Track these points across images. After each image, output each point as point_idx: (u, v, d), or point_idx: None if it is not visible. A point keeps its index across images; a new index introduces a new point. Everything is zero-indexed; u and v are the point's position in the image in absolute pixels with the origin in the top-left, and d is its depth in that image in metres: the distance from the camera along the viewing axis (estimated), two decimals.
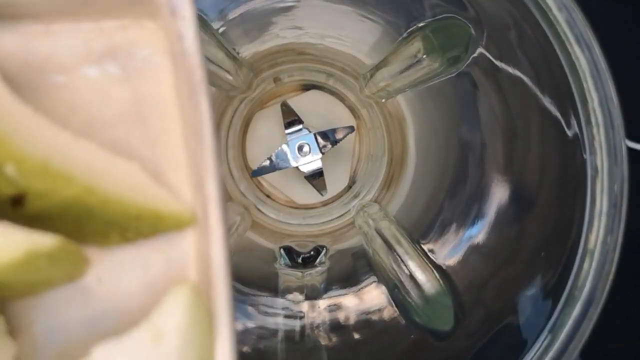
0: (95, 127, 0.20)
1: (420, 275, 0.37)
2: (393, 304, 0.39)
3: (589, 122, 0.26)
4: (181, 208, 0.19)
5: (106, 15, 0.20)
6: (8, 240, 0.16)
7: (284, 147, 0.45)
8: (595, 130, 0.26)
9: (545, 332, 0.27)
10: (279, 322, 0.40)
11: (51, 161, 0.17)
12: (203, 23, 0.37)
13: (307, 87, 0.48)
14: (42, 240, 0.16)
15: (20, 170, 0.16)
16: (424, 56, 0.37)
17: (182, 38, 0.18)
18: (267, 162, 0.45)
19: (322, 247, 0.45)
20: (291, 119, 0.46)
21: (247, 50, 0.43)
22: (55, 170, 0.17)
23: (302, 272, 0.44)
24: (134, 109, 0.20)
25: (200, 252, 0.19)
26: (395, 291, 0.38)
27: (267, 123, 0.48)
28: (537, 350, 0.27)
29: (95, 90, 0.20)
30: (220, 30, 0.39)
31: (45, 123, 0.18)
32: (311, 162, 0.45)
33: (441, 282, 0.36)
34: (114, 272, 0.20)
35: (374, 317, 0.39)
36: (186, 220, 0.19)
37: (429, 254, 0.39)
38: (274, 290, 0.42)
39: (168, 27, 0.19)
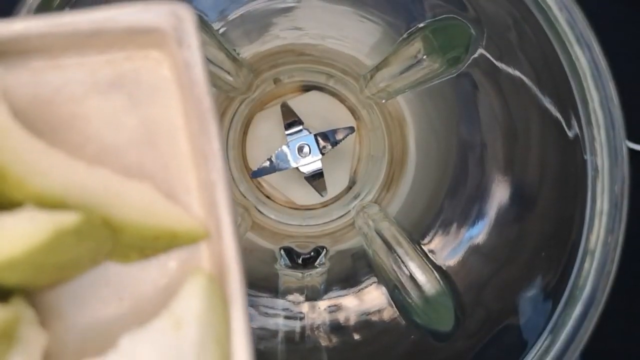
0: (109, 154, 0.20)
1: (420, 276, 0.37)
2: (393, 304, 0.39)
3: (589, 122, 0.26)
4: (195, 225, 0.20)
5: (112, 47, 0.20)
6: (35, 223, 0.16)
7: (284, 148, 0.45)
8: (595, 130, 0.26)
9: (546, 332, 0.27)
10: (279, 323, 0.40)
11: (68, 194, 0.18)
12: (204, 24, 0.37)
13: (307, 88, 0.48)
14: (68, 218, 0.16)
15: (39, 206, 0.17)
16: (424, 57, 0.37)
17: (189, 67, 0.19)
18: (267, 163, 0.45)
19: (322, 248, 0.45)
20: (291, 119, 0.46)
21: (247, 51, 0.43)
22: (73, 203, 0.18)
23: (302, 273, 0.44)
24: (144, 135, 0.20)
25: (214, 253, 0.20)
26: (396, 292, 0.38)
27: (267, 124, 0.48)
28: (538, 351, 0.27)
29: (106, 118, 0.20)
30: (221, 31, 0.39)
31: (59, 156, 0.18)
32: (311, 163, 0.45)
33: (441, 282, 0.36)
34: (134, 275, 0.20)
35: (374, 317, 0.39)
36: (200, 236, 0.20)
37: (429, 254, 0.39)
38: (274, 291, 0.42)
39: (175, 57, 0.19)
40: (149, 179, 0.20)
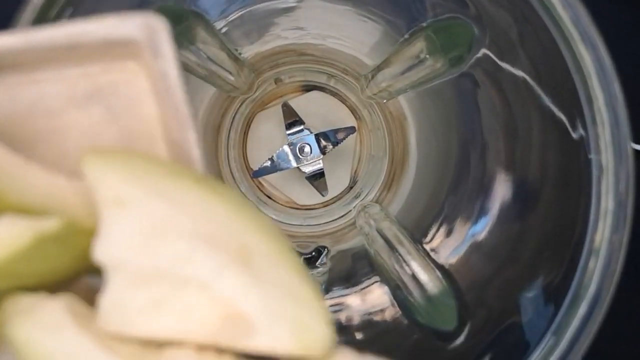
0: None
1: (422, 276, 0.37)
2: (395, 304, 0.39)
3: (594, 121, 0.26)
4: None
5: (88, 60, 0.20)
6: (15, 228, 0.16)
7: (285, 147, 0.45)
8: (600, 129, 0.26)
9: (550, 332, 0.27)
10: None
11: (49, 209, 0.18)
12: (206, 23, 0.37)
13: (308, 88, 0.48)
14: (48, 223, 0.16)
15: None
16: (427, 56, 0.37)
17: (166, 76, 0.19)
18: (268, 163, 0.45)
19: (323, 247, 0.45)
20: (292, 119, 0.46)
21: (248, 51, 0.43)
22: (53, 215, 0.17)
23: None
24: (123, 146, 0.20)
25: None
26: (398, 291, 0.38)
27: (268, 124, 0.48)
28: (542, 351, 0.27)
29: (84, 131, 0.20)
30: (223, 30, 0.39)
31: (38, 169, 0.18)
32: (312, 162, 0.45)
33: (444, 282, 0.36)
34: None
35: (376, 317, 0.39)
36: None
37: (430, 253, 0.39)
38: None
39: (151, 67, 0.19)
40: None
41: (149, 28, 0.19)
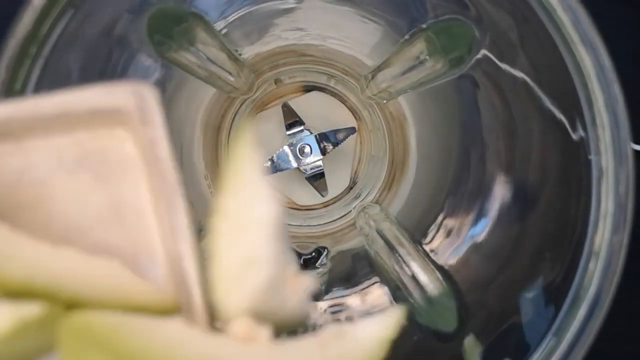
0: (75, 233, 0.20)
1: (422, 277, 0.37)
2: (395, 304, 0.39)
3: (594, 123, 0.26)
4: (164, 299, 0.20)
5: (77, 127, 0.20)
6: None
7: (285, 148, 0.45)
8: (600, 131, 0.26)
9: (550, 334, 0.27)
10: None
11: (33, 278, 0.17)
12: (205, 24, 0.37)
13: (308, 88, 0.48)
14: (30, 309, 0.16)
15: (4, 292, 0.17)
16: (427, 57, 0.37)
17: (154, 144, 0.19)
18: (268, 164, 0.45)
19: (323, 248, 0.45)
20: (292, 120, 0.46)
21: (248, 52, 0.43)
22: (38, 287, 0.17)
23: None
24: (111, 212, 0.20)
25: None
26: (398, 292, 0.38)
27: (268, 124, 0.48)
28: (542, 352, 0.27)
29: (72, 198, 0.20)
30: (222, 31, 0.39)
31: (23, 239, 0.18)
32: (312, 163, 0.45)
33: (444, 283, 0.36)
34: None
35: None
36: (170, 311, 0.20)
37: (430, 254, 0.39)
38: None
39: (139, 134, 0.20)
40: (116, 256, 0.20)
41: (138, 96, 0.19)
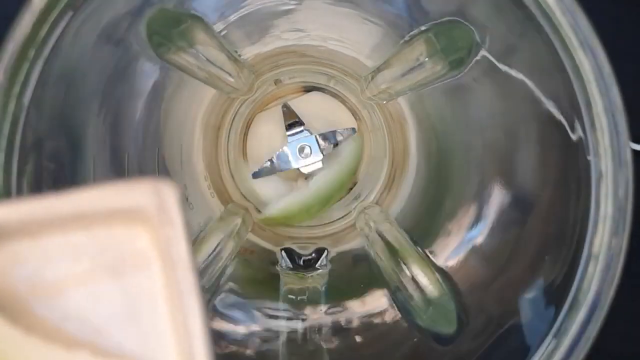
0: (89, 332, 0.20)
1: (422, 278, 0.37)
2: (395, 306, 0.39)
3: (593, 126, 0.26)
4: None
5: (95, 225, 0.20)
6: None
7: (285, 148, 0.45)
8: (599, 134, 0.26)
9: (550, 336, 0.27)
10: (281, 325, 0.40)
11: None
12: (205, 26, 0.37)
13: (308, 88, 0.48)
14: None
15: None
16: (426, 59, 0.37)
17: (172, 244, 0.19)
18: (268, 164, 0.45)
19: (324, 249, 0.45)
20: (292, 120, 0.46)
21: (248, 52, 0.43)
22: None
23: (303, 274, 0.44)
24: (126, 308, 0.20)
25: None
26: (397, 294, 0.38)
27: (268, 125, 0.48)
28: (542, 355, 0.27)
29: (87, 295, 0.20)
30: (222, 32, 0.39)
31: (37, 342, 0.18)
32: (312, 163, 0.45)
33: (443, 285, 0.36)
34: None
35: (376, 319, 0.39)
36: None
37: (430, 256, 0.39)
38: (276, 292, 0.42)
39: (157, 232, 0.19)
40: (129, 353, 0.20)
41: (157, 195, 0.19)
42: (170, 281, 0.20)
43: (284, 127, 0.46)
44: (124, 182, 0.19)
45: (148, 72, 0.38)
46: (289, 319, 0.41)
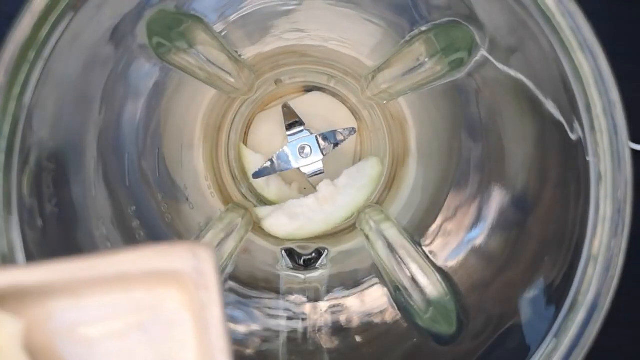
0: None
1: (422, 279, 0.37)
2: (395, 306, 0.39)
3: (592, 128, 0.26)
4: None
5: (133, 284, 0.21)
6: None
7: (285, 148, 0.45)
8: (599, 136, 0.26)
9: (550, 337, 0.27)
10: (281, 324, 0.40)
11: None
12: (205, 26, 0.37)
13: (308, 88, 0.48)
14: None
15: None
16: (427, 60, 0.37)
17: (206, 308, 0.20)
18: (269, 164, 0.45)
19: (324, 249, 0.45)
20: (292, 120, 0.46)
21: (249, 53, 0.43)
22: None
23: (303, 274, 0.44)
24: None
25: None
26: (397, 294, 0.38)
27: (269, 124, 0.48)
28: (542, 355, 0.27)
29: (119, 351, 0.21)
30: (222, 33, 0.39)
31: None
32: (312, 163, 0.45)
33: (443, 285, 0.36)
34: None
35: (376, 319, 0.39)
36: None
37: (430, 256, 0.39)
38: (276, 292, 0.42)
39: (193, 296, 0.20)
40: None
41: (195, 259, 0.20)
42: (203, 344, 0.20)
43: (284, 127, 0.46)
44: (163, 245, 0.20)
45: (148, 73, 0.38)
46: (289, 318, 0.41)
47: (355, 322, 0.40)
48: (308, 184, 0.48)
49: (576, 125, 0.28)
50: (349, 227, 0.47)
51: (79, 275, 0.20)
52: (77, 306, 0.21)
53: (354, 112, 0.48)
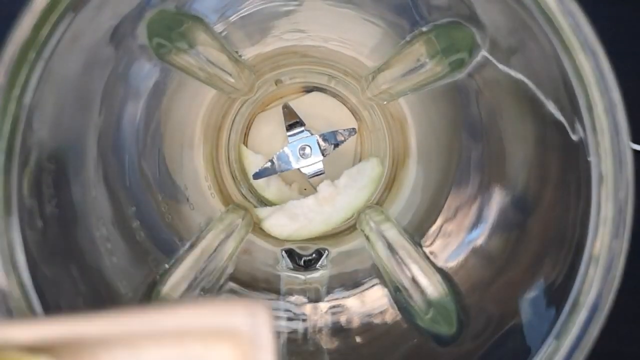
0: None
1: (422, 279, 0.37)
2: (395, 306, 0.39)
3: (593, 128, 0.26)
4: None
5: (189, 340, 0.21)
6: None
7: (286, 149, 0.45)
8: (600, 136, 0.26)
9: (550, 338, 0.27)
10: (282, 325, 0.40)
11: None
12: (205, 27, 0.37)
13: (308, 89, 0.48)
14: None
15: None
16: (427, 60, 0.37)
17: None
18: (269, 164, 0.45)
19: (324, 249, 0.45)
20: (293, 121, 0.46)
21: (249, 53, 0.43)
22: None
23: (303, 274, 0.44)
24: None
25: None
26: (398, 294, 0.38)
27: (269, 125, 0.48)
28: (542, 356, 0.27)
29: None
30: (223, 33, 0.39)
31: None
32: (313, 164, 0.45)
33: (444, 286, 0.36)
34: None
35: (376, 320, 0.39)
36: None
37: (430, 256, 0.39)
38: (276, 292, 0.42)
39: (247, 354, 0.20)
40: None
41: (252, 318, 0.20)
42: None
43: (285, 128, 0.46)
44: (221, 302, 0.20)
45: (148, 73, 0.38)
46: (289, 319, 0.41)
47: (356, 322, 0.40)
48: (308, 185, 0.48)
49: (577, 125, 0.28)
50: (349, 228, 0.47)
51: (139, 328, 0.20)
52: (134, 357, 0.21)
53: (354, 113, 0.48)
